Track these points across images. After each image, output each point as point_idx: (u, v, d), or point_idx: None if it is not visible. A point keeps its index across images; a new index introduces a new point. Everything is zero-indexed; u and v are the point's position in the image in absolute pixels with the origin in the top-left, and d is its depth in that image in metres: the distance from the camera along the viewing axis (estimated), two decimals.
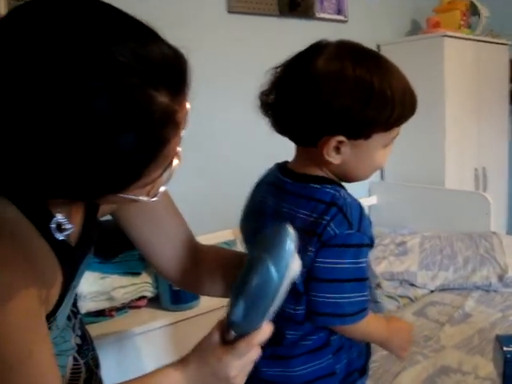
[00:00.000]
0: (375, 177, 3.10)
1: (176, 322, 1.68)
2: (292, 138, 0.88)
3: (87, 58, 0.50)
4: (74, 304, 0.89)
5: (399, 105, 0.80)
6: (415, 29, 3.20)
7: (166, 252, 0.94)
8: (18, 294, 0.60)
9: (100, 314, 1.68)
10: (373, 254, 2.36)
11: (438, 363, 1.68)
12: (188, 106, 0.62)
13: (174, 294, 1.74)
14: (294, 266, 0.74)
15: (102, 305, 1.67)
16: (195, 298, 1.77)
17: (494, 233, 2.55)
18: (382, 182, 3.12)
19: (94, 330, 1.58)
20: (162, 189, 0.65)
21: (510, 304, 2.11)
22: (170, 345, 1.67)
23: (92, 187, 0.56)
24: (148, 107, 0.53)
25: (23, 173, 0.54)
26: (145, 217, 0.90)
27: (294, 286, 0.78)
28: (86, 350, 0.91)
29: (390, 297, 2.18)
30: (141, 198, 0.63)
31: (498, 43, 3.10)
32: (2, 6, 1.70)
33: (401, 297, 2.22)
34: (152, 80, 0.53)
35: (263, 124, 0.89)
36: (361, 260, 0.83)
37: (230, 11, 2.35)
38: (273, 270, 0.71)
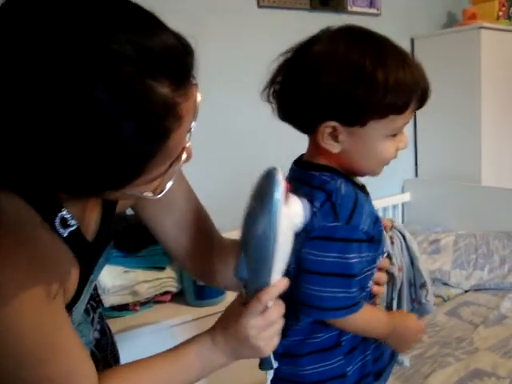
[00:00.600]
0: (409, 173, 3.04)
1: (200, 318, 1.67)
2: (294, 125, 0.87)
3: (82, 48, 0.49)
4: (93, 298, 0.89)
5: (394, 91, 0.77)
6: (451, 21, 3.10)
7: (185, 244, 0.92)
8: (23, 287, 0.60)
9: (124, 309, 1.68)
10: None
11: (470, 366, 1.63)
12: (199, 97, 0.60)
13: (199, 290, 1.73)
14: (291, 213, 0.71)
15: (126, 299, 1.67)
16: (220, 293, 1.76)
17: None
18: (416, 179, 3.05)
19: (117, 324, 1.61)
20: (168, 184, 0.64)
21: None
22: None
23: (93, 181, 0.55)
24: (147, 97, 0.52)
25: (24, 167, 0.53)
26: (163, 209, 0.89)
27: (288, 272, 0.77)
28: (105, 344, 0.91)
29: None
30: (145, 194, 0.62)
31: None
32: None
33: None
34: (151, 70, 0.52)
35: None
36: (350, 255, 0.81)
37: (260, 5, 2.33)
38: (262, 220, 0.70)
